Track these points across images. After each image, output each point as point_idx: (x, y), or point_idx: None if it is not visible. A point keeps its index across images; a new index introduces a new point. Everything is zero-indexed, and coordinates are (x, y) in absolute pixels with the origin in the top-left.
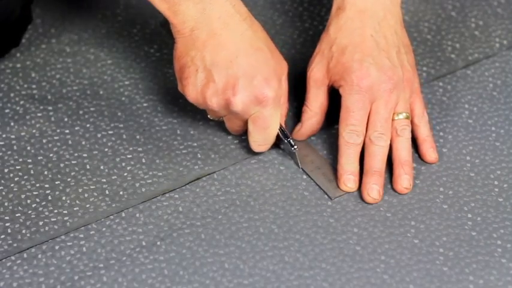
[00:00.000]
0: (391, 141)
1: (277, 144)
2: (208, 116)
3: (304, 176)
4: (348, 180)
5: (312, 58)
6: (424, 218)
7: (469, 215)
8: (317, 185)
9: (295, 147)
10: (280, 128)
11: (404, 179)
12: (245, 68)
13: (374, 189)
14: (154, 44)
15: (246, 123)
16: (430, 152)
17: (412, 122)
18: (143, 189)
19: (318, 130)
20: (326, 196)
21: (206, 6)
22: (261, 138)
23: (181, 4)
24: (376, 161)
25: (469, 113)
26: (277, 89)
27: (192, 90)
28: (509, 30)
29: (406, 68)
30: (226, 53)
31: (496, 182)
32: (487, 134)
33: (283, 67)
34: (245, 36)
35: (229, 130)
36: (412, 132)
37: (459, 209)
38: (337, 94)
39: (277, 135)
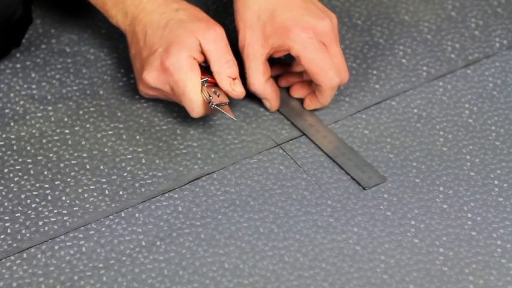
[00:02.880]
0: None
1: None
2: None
3: (304, 176)
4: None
5: (240, 36)
6: (424, 217)
7: (469, 215)
8: (349, 175)
9: (213, 104)
10: (203, 92)
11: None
12: (150, 46)
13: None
14: None
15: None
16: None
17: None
18: (143, 189)
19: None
20: (326, 195)
21: (128, 9)
22: (185, 103)
23: (112, 10)
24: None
25: (469, 113)
26: (178, 55)
27: (138, 85)
28: (509, 30)
29: (325, 8)
30: (139, 41)
31: (496, 182)
32: (487, 133)
33: (199, 33)
34: (153, 20)
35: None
36: None
37: (459, 208)
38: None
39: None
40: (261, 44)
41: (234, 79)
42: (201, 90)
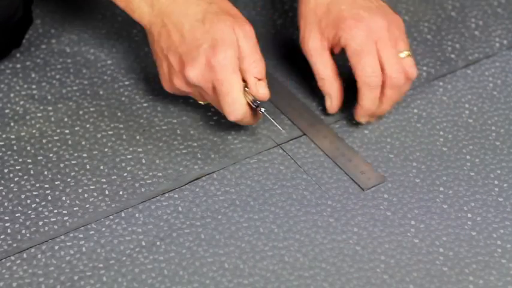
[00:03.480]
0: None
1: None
2: (198, 102)
3: (304, 176)
4: (363, 119)
5: (301, 33)
6: (424, 217)
7: (469, 215)
8: (348, 176)
9: (263, 109)
10: (246, 94)
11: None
12: (191, 41)
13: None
14: None
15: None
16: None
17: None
18: (143, 189)
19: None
20: (326, 195)
21: (154, 1)
22: (226, 105)
23: (134, 2)
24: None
25: (469, 113)
26: (225, 52)
27: (164, 82)
28: (509, 30)
29: (387, 10)
30: (174, 35)
31: (496, 182)
32: (487, 133)
33: (235, 28)
34: (188, 14)
35: (218, 109)
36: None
37: (459, 208)
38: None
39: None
40: (319, 39)
41: (259, 79)
42: (244, 93)
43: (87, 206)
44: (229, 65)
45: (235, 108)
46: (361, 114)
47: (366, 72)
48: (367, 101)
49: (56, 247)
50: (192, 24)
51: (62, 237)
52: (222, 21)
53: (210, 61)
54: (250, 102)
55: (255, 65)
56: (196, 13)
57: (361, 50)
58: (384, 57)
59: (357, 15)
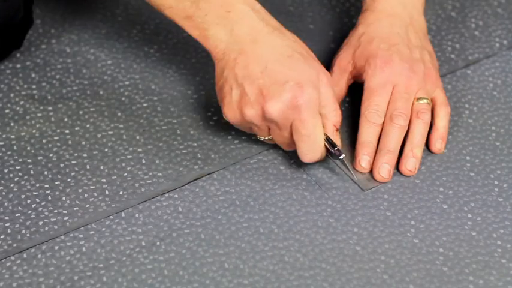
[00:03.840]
0: (409, 123)
1: (327, 154)
2: (258, 137)
3: (304, 176)
4: (363, 160)
5: (339, 50)
6: (424, 217)
7: (469, 215)
8: (348, 176)
9: (343, 155)
10: (327, 138)
11: (410, 161)
12: (276, 75)
13: (385, 168)
14: (154, 44)
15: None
16: (438, 142)
17: (432, 110)
18: (143, 189)
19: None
20: (326, 195)
21: (234, 27)
22: (306, 146)
23: (210, 29)
24: (392, 140)
25: (469, 113)
26: (311, 95)
27: (229, 109)
28: (509, 30)
29: (428, 65)
30: (256, 65)
31: (496, 182)
32: (487, 133)
33: (320, 74)
34: (275, 47)
35: (279, 145)
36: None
37: (459, 209)
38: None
39: (324, 145)
40: (347, 60)
41: (336, 130)
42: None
43: (87, 206)
44: (314, 107)
45: (315, 150)
46: (360, 152)
47: (369, 107)
48: (363, 135)
49: (56, 247)
50: (278, 58)
51: (62, 237)
52: (309, 63)
53: (296, 99)
54: (329, 148)
55: (335, 113)
56: (283, 48)
57: (375, 90)
58: (392, 98)
59: (388, 57)
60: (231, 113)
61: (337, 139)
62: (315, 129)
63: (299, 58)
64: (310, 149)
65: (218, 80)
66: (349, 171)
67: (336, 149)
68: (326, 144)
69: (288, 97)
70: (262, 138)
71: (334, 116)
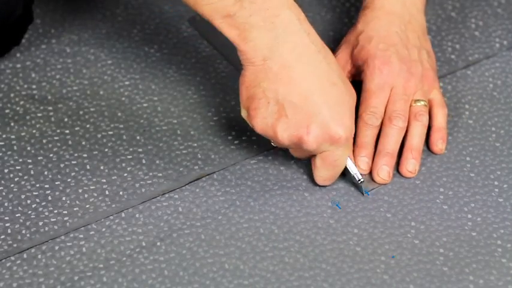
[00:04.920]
0: (407, 125)
1: (342, 174)
2: (272, 143)
3: (305, 177)
4: (362, 161)
5: (337, 47)
6: (424, 218)
7: (469, 216)
8: (348, 177)
9: (362, 179)
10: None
11: (410, 163)
12: (320, 105)
13: (384, 170)
14: (154, 44)
15: (313, 154)
16: (439, 142)
17: (430, 111)
18: (143, 190)
19: None
20: (327, 196)
21: (279, 34)
22: (328, 174)
23: (253, 31)
24: (390, 142)
25: (469, 114)
26: (351, 127)
27: (261, 122)
28: (509, 30)
29: (426, 66)
30: (300, 88)
31: (496, 183)
32: (487, 134)
33: (354, 100)
34: (320, 70)
35: (293, 155)
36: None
37: (459, 209)
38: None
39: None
40: (346, 59)
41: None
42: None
43: (87, 206)
44: (350, 139)
45: (334, 178)
46: (358, 154)
47: (367, 110)
48: (361, 137)
49: (56, 247)
50: (323, 86)
51: (62, 237)
52: (349, 90)
53: (336, 133)
54: (350, 171)
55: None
56: (328, 74)
57: (373, 92)
58: (391, 99)
59: (387, 58)
60: (262, 127)
61: (362, 164)
62: (343, 160)
63: (342, 87)
64: (332, 176)
65: (251, 86)
66: (364, 194)
67: (356, 173)
68: (348, 167)
69: (330, 132)
70: (276, 145)
71: (352, 140)
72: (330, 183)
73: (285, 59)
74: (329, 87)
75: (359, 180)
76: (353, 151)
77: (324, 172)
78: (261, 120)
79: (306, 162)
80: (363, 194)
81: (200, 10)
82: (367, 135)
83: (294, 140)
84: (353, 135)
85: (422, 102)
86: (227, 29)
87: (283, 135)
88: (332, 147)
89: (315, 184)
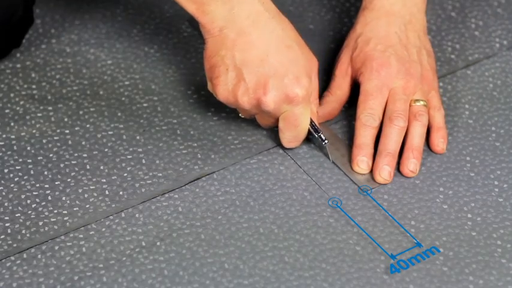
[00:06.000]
0: (407, 125)
1: (307, 138)
2: (240, 114)
3: (304, 176)
4: (361, 161)
5: (339, 52)
6: (423, 217)
7: (469, 215)
8: (348, 176)
9: (326, 141)
10: (311, 123)
11: (411, 163)
12: (276, 66)
13: (386, 170)
14: (154, 44)
15: (277, 119)
16: (440, 142)
17: (428, 113)
18: (143, 190)
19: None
20: (327, 195)
21: (234, 5)
22: (292, 135)
23: (210, 4)
24: (391, 142)
25: (469, 113)
26: (307, 87)
27: (222, 90)
28: (509, 30)
29: (425, 67)
30: (256, 51)
31: (496, 182)
32: (487, 134)
33: (313, 64)
34: (275, 35)
35: (260, 125)
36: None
37: (459, 209)
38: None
39: (308, 130)
40: (346, 64)
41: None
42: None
43: (87, 206)
44: (308, 100)
45: (300, 138)
46: (356, 155)
47: (364, 111)
48: (359, 138)
49: (56, 247)
50: (279, 48)
51: (62, 237)
52: (305, 54)
53: (293, 94)
54: (314, 133)
55: (316, 102)
56: (283, 37)
57: (370, 93)
58: (390, 99)
59: (385, 59)
60: (223, 94)
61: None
62: (304, 120)
63: (297, 50)
64: (295, 138)
65: (211, 56)
66: (330, 156)
67: (320, 134)
68: (311, 129)
69: (287, 91)
70: (243, 116)
71: (316, 104)
72: (296, 145)
73: (241, 27)
74: (284, 50)
75: (323, 141)
76: (352, 152)
77: (287, 134)
78: (223, 88)
79: (305, 161)
80: (329, 158)
81: None
82: (365, 136)
83: (254, 103)
84: (311, 96)
85: (422, 102)
86: (186, 3)
87: (243, 99)
88: (290, 106)
89: (315, 184)
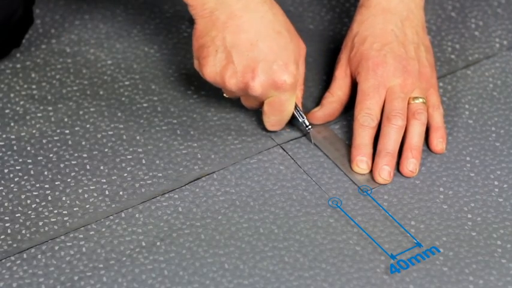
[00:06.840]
0: (406, 124)
1: (291, 122)
2: (224, 94)
3: (304, 176)
4: (361, 161)
5: (339, 53)
6: (423, 218)
7: (469, 215)
8: (348, 176)
9: (310, 126)
10: (296, 108)
11: (410, 163)
12: (265, 52)
13: (385, 170)
14: (154, 44)
15: (262, 102)
16: (439, 142)
17: (427, 112)
18: (143, 190)
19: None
20: (327, 195)
21: None
22: (276, 119)
23: None
24: (390, 142)
25: (469, 113)
26: (295, 74)
27: (210, 70)
28: (509, 30)
29: (423, 63)
30: (246, 35)
31: (496, 182)
32: (487, 134)
33: (301, 50)
34: (265, 19)
35: (244, 106)
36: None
37: (459, 209)
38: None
39: (292, 114)
40: (345, 65)
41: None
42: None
43: (87, 206)
44: (295, 87)
45: (283, 122)
46: (355, 155)
47: (361, 111)
48: (358, 138)
49: (56, 247)
50: (269, 33)
51: (62, 237)
52: (294, 41)
53: (281, 80)
54: (299, 118)
55: (302, 87)
56: (274, 23)
57: (367, 93)
58: (388, 98)
59: (381, 58)
60: (211, 75)
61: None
62: (289, 105)
63: (287, 36)
64: (280, 121)
65: (200, 36)
66: (312, 141)
67: (304, 120)
68: (296, 114)
69: (275, 77)
70: (227, 96)
71: (301, 89)
72: (279, 128)
73: (232, 10)
74: (274, 35)
75: (307, 126)
76: (351, 153)
77: (271, 117)
78: (210, 68)
79: (305, 161)
80: (311, 141)
81: None
82: (364, 136)
83: (241, 86)
84: (297, 82)
85: (421, 100)
86: None
87: (231, 81)
88: (277, 92)
89: (315, 183)
